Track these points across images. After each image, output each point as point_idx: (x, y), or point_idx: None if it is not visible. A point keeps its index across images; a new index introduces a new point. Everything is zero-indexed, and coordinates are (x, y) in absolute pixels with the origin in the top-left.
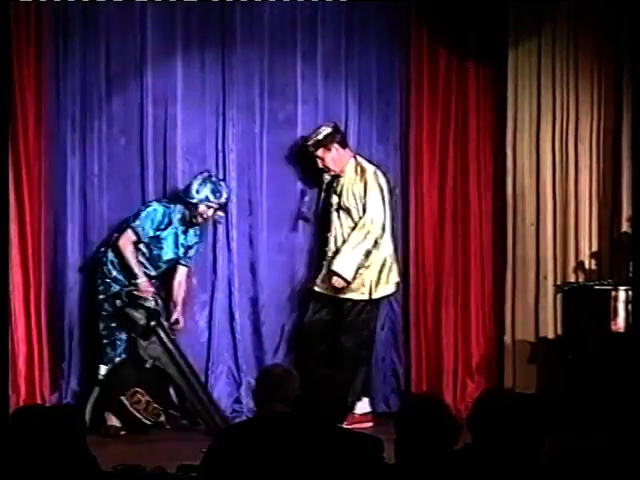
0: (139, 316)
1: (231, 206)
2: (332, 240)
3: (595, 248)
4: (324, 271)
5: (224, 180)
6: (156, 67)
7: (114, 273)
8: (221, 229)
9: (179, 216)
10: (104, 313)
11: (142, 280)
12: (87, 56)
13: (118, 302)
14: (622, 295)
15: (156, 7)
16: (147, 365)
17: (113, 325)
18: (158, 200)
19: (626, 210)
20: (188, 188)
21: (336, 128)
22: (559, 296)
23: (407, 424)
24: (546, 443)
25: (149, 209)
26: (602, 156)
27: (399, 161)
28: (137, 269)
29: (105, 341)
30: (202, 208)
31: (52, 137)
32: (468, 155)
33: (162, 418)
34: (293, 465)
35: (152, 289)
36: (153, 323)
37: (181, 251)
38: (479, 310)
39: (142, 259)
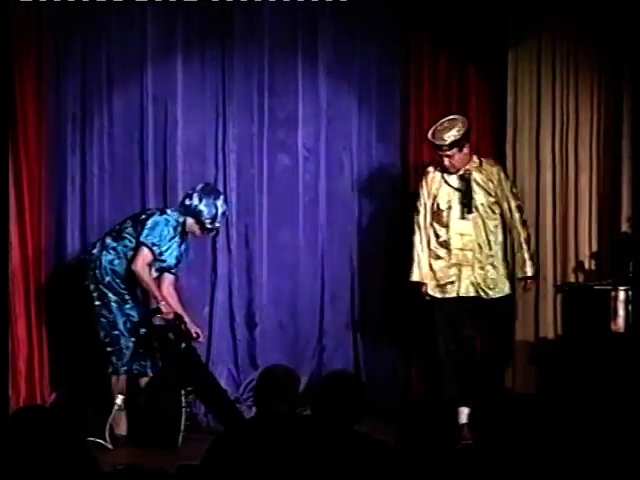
0: (171, 337)
1: (231, 206)
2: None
3: (595, 248)
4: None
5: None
6: (156, 67)
7: (107, 279)
8: (221, 229)
9: (180, 229)
10: (103, 320)
11: (164, 304)
12: (87, 56)
13: (143, 330)
14: (622, 295)
15: (156, 7)
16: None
17: (116, 333)
18: (160, 210)
19: (626, 210)
20: (198, 205)
21: (467, 123)
22: (559, 296)
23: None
24: (545, 443)
25: (159, 220)
26: (602, 156)
27: (399, 161)
28: (158, 293)
29: (109, 349)
30: (216, 225)
31: (52, 137)
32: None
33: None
34: (293, 465)
35: (172, 310)
36: (184, 345)
37: (174, 262)
38: None
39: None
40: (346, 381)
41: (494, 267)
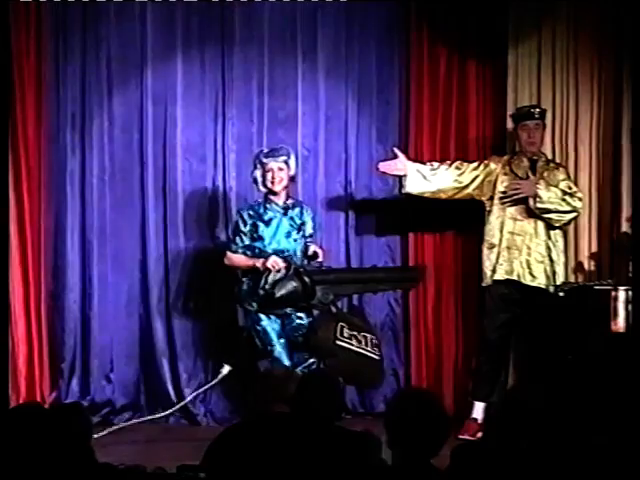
0: (295, 284)
1: (231, 206)
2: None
3: (595, 248)
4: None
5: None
6: (156, 67)
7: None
8: (221, 229)
9: (255, 209)
10: (255, 329)
11: (259, 262)
12: (87, 56)
13: (254, 305)
14: (622, 295)
15: (156, 7)
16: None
17: (265, 339)
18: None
19: (626, 210)
20: (254, 173)
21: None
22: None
23: (399, 422)
24: (545, 443)
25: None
26: (602, 156)
27: None
28: (251, 261)
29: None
30: (268, 162)
31: (52, 137)
32: (468, 155)
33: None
34: (292, 464)
35: (275, 259)
36: (308, 280)
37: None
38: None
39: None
40: (323, 380)
41: (534, 258)
